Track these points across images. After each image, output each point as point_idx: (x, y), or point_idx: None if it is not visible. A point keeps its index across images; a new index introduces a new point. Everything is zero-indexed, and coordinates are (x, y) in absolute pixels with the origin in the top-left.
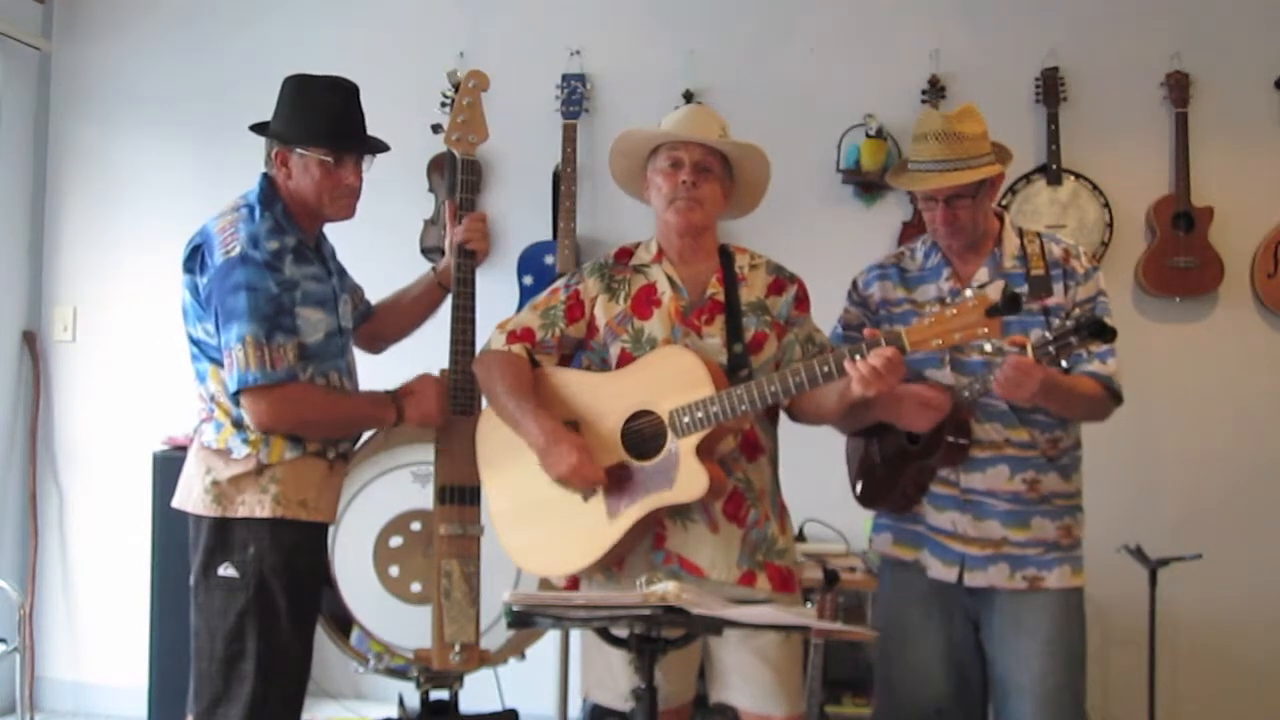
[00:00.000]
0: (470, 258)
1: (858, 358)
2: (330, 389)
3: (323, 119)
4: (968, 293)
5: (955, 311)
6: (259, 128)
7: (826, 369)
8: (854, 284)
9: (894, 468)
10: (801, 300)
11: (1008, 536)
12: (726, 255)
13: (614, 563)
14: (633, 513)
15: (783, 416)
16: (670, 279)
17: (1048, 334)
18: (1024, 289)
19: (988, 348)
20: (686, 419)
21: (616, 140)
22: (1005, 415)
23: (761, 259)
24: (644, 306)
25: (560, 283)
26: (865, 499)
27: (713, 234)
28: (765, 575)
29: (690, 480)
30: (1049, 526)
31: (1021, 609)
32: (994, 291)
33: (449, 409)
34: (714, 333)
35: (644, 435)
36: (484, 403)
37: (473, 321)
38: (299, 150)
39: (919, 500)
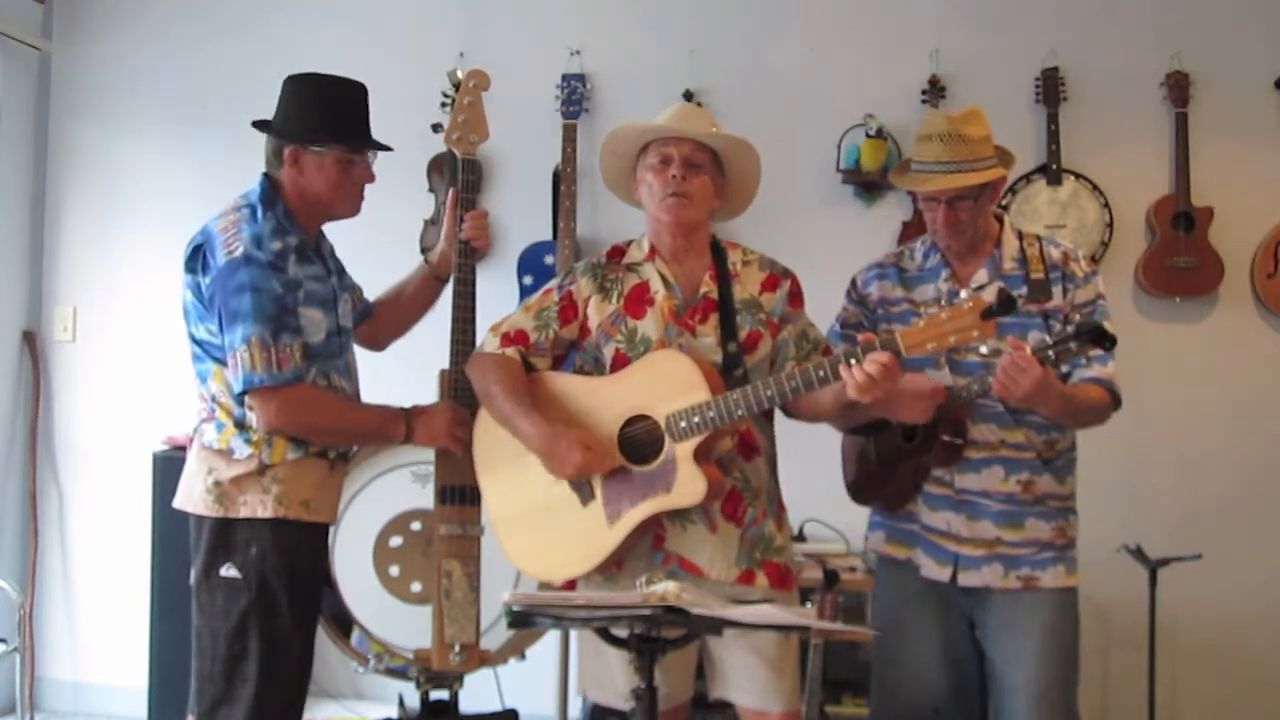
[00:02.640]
0: (471, 254)
1: (853, 363)
2: (344, 396)
3: (335, 116)
4: (963, 294)
5: (949, 314)
6: (263, 125)
7: (822, 373)
8: (853, 283)
9: (888, 465)
10: (795, 295)
11: (1001, 537)
12: (719, 252)
13: (613, 564)
14: (632, 518)
15: (779, 414)
16: (663, 277)
17: (1047, 338)
18: (1022, 291)
19: (983, 350)
20: (683, 423)
21: (606, 139)
22: (1001, 416)
23: (754, 255)
24: (637, 306)
25: (553, 283)
26: (858, 495)
27: (705, 231)
28: (763, 573)
29: (689, 484)
30: (1043, 527)
31: (1016, 608)
32: (991, 294)
33: (461, 436)
34: (708, 331)
35: (641, 440)
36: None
37: (473, 321)
38: (314, 148)
39: (912, 498)
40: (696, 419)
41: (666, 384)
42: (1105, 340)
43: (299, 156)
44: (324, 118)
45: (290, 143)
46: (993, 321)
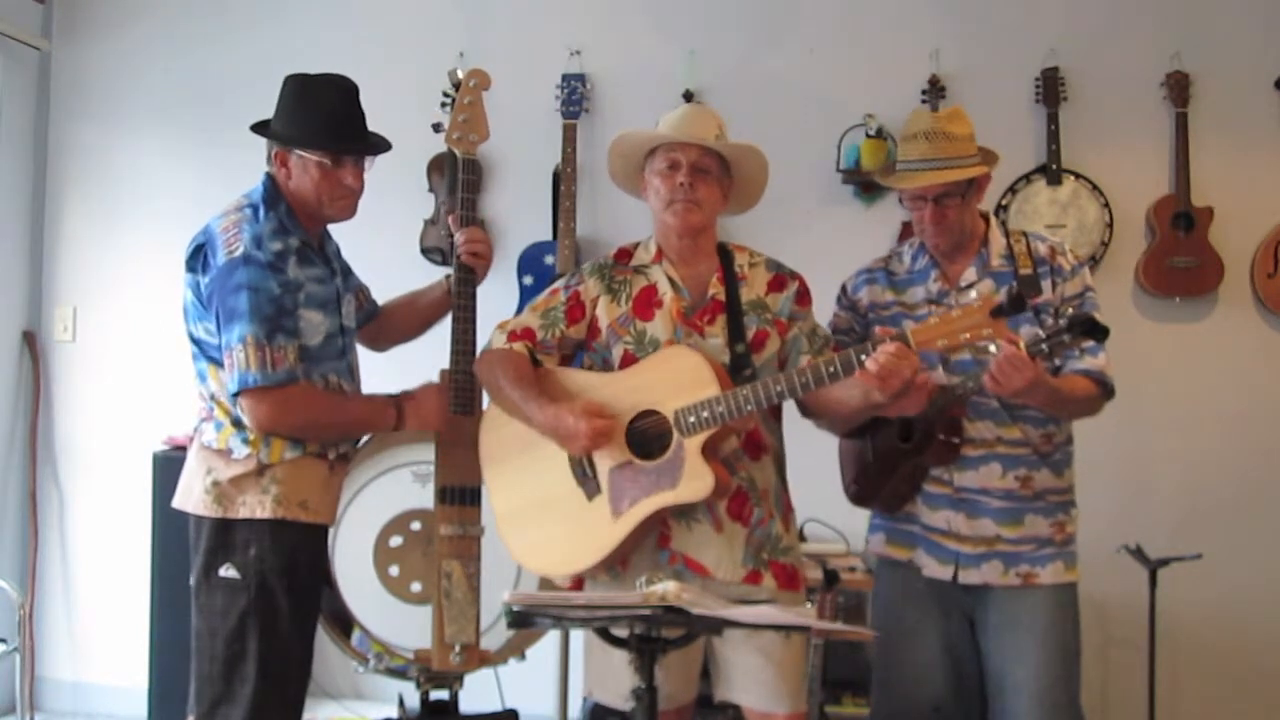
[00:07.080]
0: (470, 274)
1: (864, 358)
2: (330, 392)
3: (321, 119)
4: (973, 293)
5: (960, 312)
6: (260, 127)
7: (832, 369)
8: (843, 289)
9: (886, 466)
10: (803, 295)
11: (1001, 534)
12: (726, 254)
13: (618, 562)
14: (637, 513)
15: (787, 417)
16: (671, 280)
17: (1040, 332)
18: (1014, 286)
19: (992, 349)
20: (692, 419)
21: (613, 142)
22: (997, 413)
23: (760, 257)
24: (645, 308)
25: (560, 283)
26: (858, 498)
27: (711, 233)
28: (770, 573)
29: (695, 480)
30: (1042, 523)
31: (1016, 605)
32: (987, 288)
33: (450, 414)
34: (716, 333)
35: (649, 435)
36: (484, 403)
37: (473, 322)
38: (298, 151)
39: (912, 499)
40: (705, 414)
41: (676, 379)
42: (1098, 331)
43: (285, 159)
44: (307, 120)
45: (277, 145)
46: (1003, 320)
